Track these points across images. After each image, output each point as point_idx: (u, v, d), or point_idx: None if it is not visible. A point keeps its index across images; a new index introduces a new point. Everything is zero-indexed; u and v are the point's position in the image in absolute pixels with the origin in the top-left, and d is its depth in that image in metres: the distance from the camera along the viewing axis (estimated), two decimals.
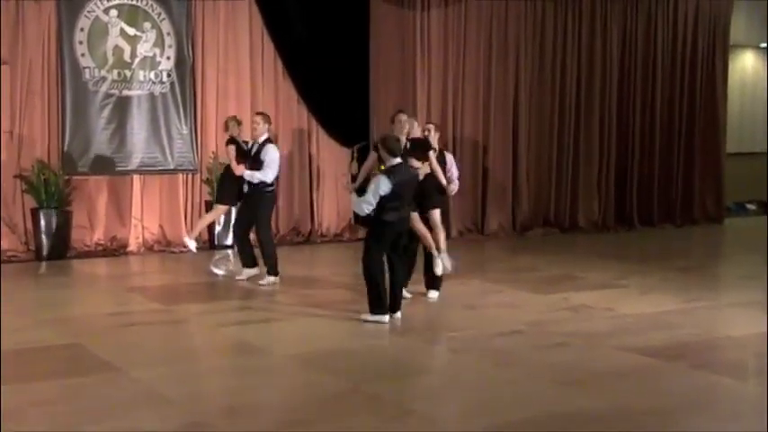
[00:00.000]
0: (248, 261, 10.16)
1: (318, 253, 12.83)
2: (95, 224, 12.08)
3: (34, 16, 11.52)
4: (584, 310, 8.79)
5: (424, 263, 9.15)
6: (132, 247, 12.13)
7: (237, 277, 10.16)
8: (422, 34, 13.78)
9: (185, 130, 12.41)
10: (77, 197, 11.86)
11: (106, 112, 11.91)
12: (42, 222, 11.40)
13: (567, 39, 14.92)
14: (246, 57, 12.83)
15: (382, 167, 8.23)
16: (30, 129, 11.61)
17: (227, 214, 11.77)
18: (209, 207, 12.37)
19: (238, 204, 10.38)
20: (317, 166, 13.42)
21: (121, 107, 11.99)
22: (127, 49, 12.00)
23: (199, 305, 9.07)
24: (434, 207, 8.97)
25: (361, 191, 8.51)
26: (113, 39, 11.93)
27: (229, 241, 12.18)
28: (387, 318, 8.08)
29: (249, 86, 12.85)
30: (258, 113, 10.49)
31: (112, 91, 11.94)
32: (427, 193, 8.81)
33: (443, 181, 9.03)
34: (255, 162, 9.87)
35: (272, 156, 9.88)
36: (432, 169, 8.93)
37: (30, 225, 11.58)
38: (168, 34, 12.24)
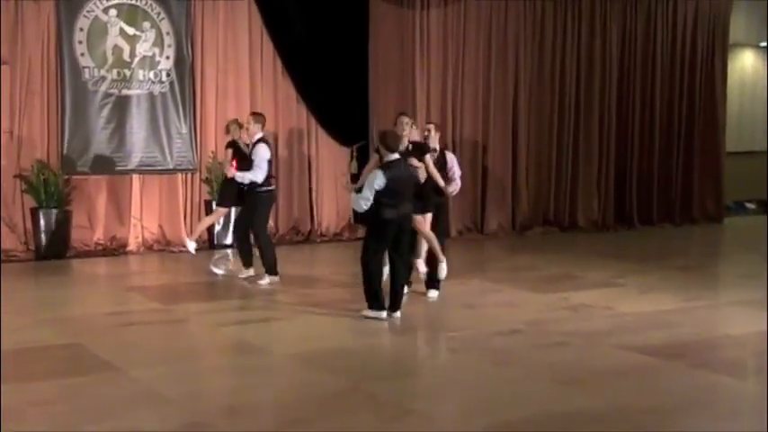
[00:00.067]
0: (247, 261, 10.18)
1: (318, 252, 12.83)
2: (95, 224, 12.09)
3: (33, 16, 11.52)
4: (583, 309, 8.79)
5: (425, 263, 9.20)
6: (132, 246, 12.13)
7: (240, 275, 10.15)
8: (421, 34, 13.77)
9: (185, 130, 12.41)
10: (77, 197, 11.87)
11: (105, 112, 11.91)
12: (42, 222, 11.41)
13: (567, 38, 14.92)
14: (246, 56, 12.83)
15: None
16: (29, 128, 11.61)
17: (227, 214, 11.77)
18: (208, 206, 12.42)
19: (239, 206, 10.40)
20: (316, 165, 13.42)
21: (121, 107, 11.99)
22: (126, 48, 12.00)
23: (198, 304, 9.08)
24: (427, 211, 8.93)
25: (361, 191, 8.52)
26: (113, 38, 11.93)
27: (229, 241, 12.20)
28: (384, 314, 8.12)
29: (248, 86, 12.86)
30: (251, 114, 10.50)
31: (112, 90, 11.94)
32: (424, 195, 8.79)
33: (440, 183, 8.98)
34: (249, 163, 9.88)
35: (260, 155, 9.83)
36: (428, 173, 8.89)
37: (29, 225, 11.59)
38: (167, 34, 12.24)
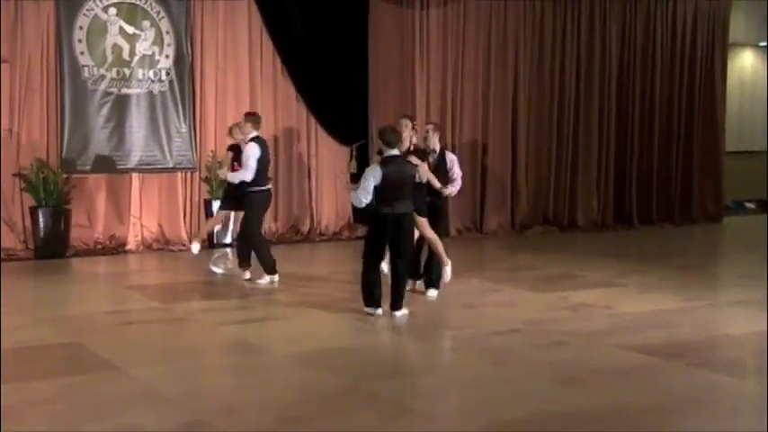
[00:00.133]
0: (244, 262, 10.15)
1: (317, 251, 12.83)
2: (94, 222, 12.09)
3: (33, 15, 11.52)
4: (583, 308, 8.79)
5: (425, 262, 9.19)
6: (131, 245, 12.13)
7: (244, 277, 10.09)
8: (421, 33, 13.78)
9: (184, 129, 12.41)
10: (76, 195, 11.86)
11: (105, 111, 11.91)
12: (41, 221, 11.42)
13: (567, 38, 14.92)
14: (245, 55, 12.83)
15: None
16: (29, 127, 11.61)
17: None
18: (207, 205, 12.43)
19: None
20: (315, 164, 13.42)
21: (120, 105, 11.99)
22: (126, 47, 12.00)
23: (198, 303, 9.08)
24: (419, 214, 8.89)
25: None
26: (112, 37, 11.93)
27: (228, 240, 12.20)
28: (378, 311, 8.20)
29: (248, 85, 12.86)
30: (245, 114, 10.48)
31: (111, 89, 11.94)
32: (417, 197, 8.76)
33: (436, 185, 8.93)
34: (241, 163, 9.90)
35: (247, 153, 9.80)
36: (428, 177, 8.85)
37: (29, 223, 11.59)
38: (167, 32, 12.24)
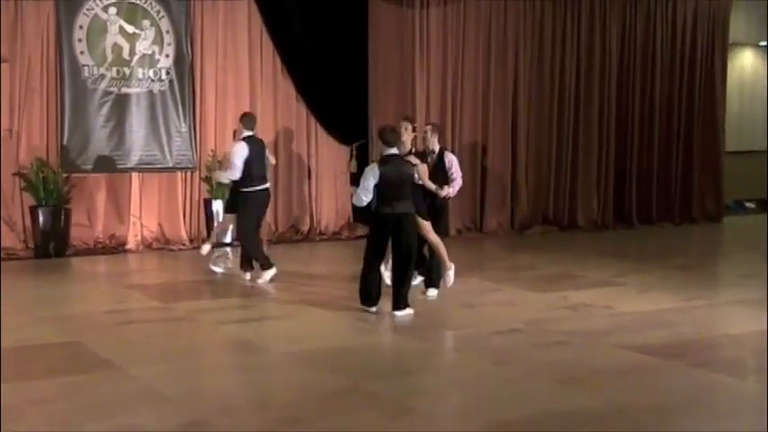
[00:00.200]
0: (245, 263, 10.14)
1: (317, 251, 12.83)
2: (94, 222, 12.09)
3: (33, 14, 11.52)
4: (582, 308, 8.79)
5: (425, 263, 9.19)
6: (131, 244, 12.13)
7: (246, 278, 10.08)
8: (421, 33, 13.77)
9: (184, 128, 12.41)
10: (76, 195, 11.86)
11: (105, 110, 11.91)
12: (41, 220, 11.42)
13: (567, 38, 14.91)
14: (245, 55, 12.82)
15: None
16: (29, 126, 11.61)
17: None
18: (207, 205, 12.43)
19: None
20: (315, 164, 13.41)
21: (120, 105, 11.99)
22: (126, 46, 12.00)
23: (198, 303, 9.08)
24: (423, 218, 8.88)
25: None
26: (112, 36, 11.93)
27: (228, 239, 12.18)
28: (372, 309, 8.27)
29: (248, 84, 12.85)
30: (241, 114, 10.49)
31: (111, 89, 11.94)
32: (421, 200, 8.76)
33: (431, 187, 8.88)
34: None
35: (233, 153, 9.80)
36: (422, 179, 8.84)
37: (29, 223, 11.59)
38: (167, 32, 12.24)
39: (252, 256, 9.96)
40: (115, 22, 11.92)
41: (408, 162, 8.44)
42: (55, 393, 5.96)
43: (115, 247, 12.07)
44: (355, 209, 12.56)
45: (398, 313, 8.20)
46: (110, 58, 11.91)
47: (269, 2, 12.85)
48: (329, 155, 13.43)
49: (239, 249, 10.43)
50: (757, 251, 12.48)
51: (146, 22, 12.09)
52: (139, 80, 12.09)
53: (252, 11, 12.83)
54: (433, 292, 9.16)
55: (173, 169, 12.40)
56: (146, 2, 12.08)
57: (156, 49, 12.18)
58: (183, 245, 12.32)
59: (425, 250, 9.14)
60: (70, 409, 5.65)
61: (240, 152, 9.71)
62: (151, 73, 12.17)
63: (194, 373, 6.73)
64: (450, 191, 9.14)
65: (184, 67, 12.38)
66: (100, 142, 11.91)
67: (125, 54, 11.99)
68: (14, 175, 11.51)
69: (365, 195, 8.08)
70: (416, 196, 8.51)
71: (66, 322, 8.07)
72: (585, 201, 15.17)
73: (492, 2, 14.27)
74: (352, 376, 6.42)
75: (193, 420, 5.51)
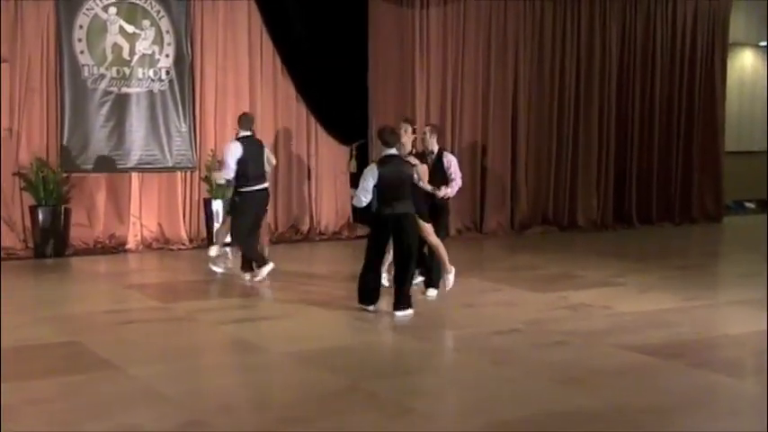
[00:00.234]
0: (246, 264, 10.14)
1: (317, 251, 12.83)
2: (94, 222, 12.08)
3: (33, 14, 11.52)
4: (582, 308, 8.79)
5: (425, 263, 9.19)
6: (131, 244, 12.13)
7: (246, 278, 10.07)
8: (421, 33, 13.77)
9: (184, 128, 12.41)
10: (76, 195, 11.86)
11: (105, 110, 11.91)
12: (41, 220, 11.41)
13: (567, 38, 14.92)
14: (245, 54, 12.83)
15: None
16: (29, 126, 11.61)
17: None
18: (207, 204, 12.44)
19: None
20: (315, 164, 13.41)
21: (120, 105, 11.99)
22: (126, 46, 12.00)
23: (197, 303, 9.07)
24: (425, 220, 8.87)
25: None
26: (112, 36, 11.93)
27: (228, 239, 12.16)
28: (370, 308, 8.31)
29: (248, 84, 12.85)
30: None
31: (111, 88, 11.94)
32: (422, 201, 8.74)
33: (427, 188, 8.85)
34: None
35: (224, 152, 9.88)
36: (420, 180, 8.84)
37: (28, 223, 11.59)
38: (167, 32, 12.24)
39: (248, 256, 9.97)
40: (115, 21, 11.92)
41: (408, 162, 8.44)
42: (54, 393, 5.96)
43: (115, 247, 12.08)
44: (355, 209, 12.56)
45: (398, 313, 8.21)
46: (110, 57, 11.91)
47: (269, 2, 12.85)
48: (329, 155, 13.43)
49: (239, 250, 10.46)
50: (757, 251, 12.48)
51: (146, 22, 12.10)
52: (139, 80, 12.09)
53: (252, 11, 12.83)
54: (432, 293, 9.15)
55: (172, 169, 12.40)
56: (146, 2, 12.08)
57: (156, 48, 12.18)
58: (183, 245, 12.32)
59: (425, 250, 9.14)
60: (69, 409, 5.65)
61: (233, 152, 9.75)
62: (151, 73, 12.17)
63: (194, 373, 6.73)
64: (447, 191, 9.10)
65: (184, 67, 12.38)
66: (100, 142, 11.91)
67: (125, 54, 11.99)
68: (14, 174, 11.51)
69: (364, 196, 8.10)
70: (417, 197, 8.51)
71: (65, 322, 8.07)
72: (585, 201, 15.17)
73: (492, 2, 14.27)
74: (351, 376, 6.42)
75: (193, 420, 5.51)
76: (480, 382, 6.42)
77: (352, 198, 8.70)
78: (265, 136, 12.15)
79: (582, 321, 8.24)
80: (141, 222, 12.27)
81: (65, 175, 11.63)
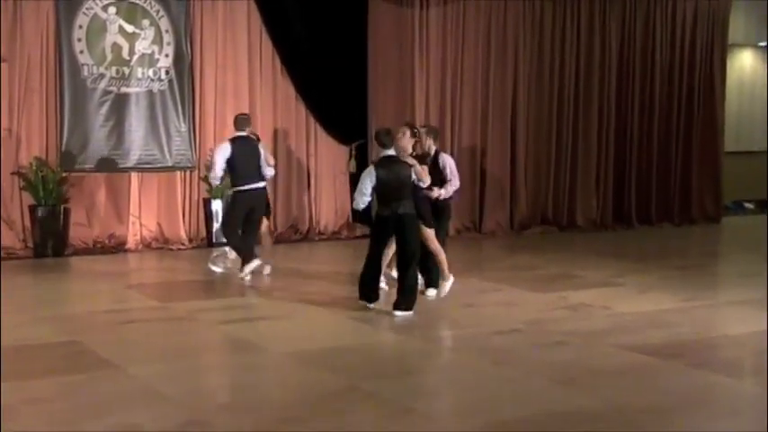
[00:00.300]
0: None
1: (316, 251, 12.83)
2: (93, 221, 12.09)
3: (33, 13, 11.52)
4: (582, 308, 8.79)
5: (427, 263, 9.20)
6: (130, 244, 12.14)
7: (240, 273, 10.09)
8: (420, 33, 13.77)
9: (183, 128, 12.41)
10: (75, 194, 11.86)
11: (104, 110, 11.91)
12: (40, 219, 11.41)
13: (566, 37, 14.92)
14: (245, 54, 12.82)
15: None
16: (28, 126, 11.61)
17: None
18: (206, 204, 12.44)
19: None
20: (315, 164, 13.41)
21: (120, 104, 11.99)
22: (125, 46, 12.00)
23: (197, 302, 9.07)
24: (427, 226, 8.85)
25: None
26: (112, 36, 11.93)
27: None
28: (370, 305, 8.38)
29: (247, 84, 12.85)
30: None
31: (111, 88, 11.94)
32: (424, 206, 8.73)
33: (425, 182, 8.82)
34: None
35: (214, 152, 10.03)
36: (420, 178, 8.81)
37: (28, 222, 11.59)
38: (167, 31, 12.24)
39: (236, 252, 10.03)
40: (115, 21, 11.92)
41: (405, 163, 8.44)
42: (54, 392, 5.96)
43: (114, 247, 12.07)
44: (355, 210, 12.55)
45: (398, 313, 8.20)
46: (109, 57, 11.91)
47: (268, 2, 12.85)
48: (329, 155, 13.43)
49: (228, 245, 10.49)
50: (756, 251, 12.49)
51: (145, 22, 12.09)
52: (139, 80, 12.09)
53: (251, 11, 12.83)
54: (432, 292, 9.15)
55: (172, 169, 12.40)
56: (145, 1, 12.08)
57: (156, 48, 12.18)
58: (183, 244, 12.32)
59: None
60: (69, 409, 5.65)
61: (221, 151, 9.88)
62: (150, 72, 12.17)
63: (193, 373, 6.72)
64: (442, 192, 9.09)
65: (184, 67, 12.38)
66: (99, 142, 11.90)
67: (124, 53, 11.99)
68: (14, 174, 11.51)
69: (362, 197, 8.11)
70: (419, 200, 8.51)
71: (65, 321, 8.07)
72: (585, 201, 15.17)
73: (492, 2, 14.27)
74: (351, 376, 6.42)
75: (192, 419, 5.50)
76: (480, 382, 6.42)
77: (352, 201, 8.71)
78: (265, 136, 12.17)
79: (582, 321, 8.24)
80: (141, 222, 12.28)
81: (64, 174, 11.62)
